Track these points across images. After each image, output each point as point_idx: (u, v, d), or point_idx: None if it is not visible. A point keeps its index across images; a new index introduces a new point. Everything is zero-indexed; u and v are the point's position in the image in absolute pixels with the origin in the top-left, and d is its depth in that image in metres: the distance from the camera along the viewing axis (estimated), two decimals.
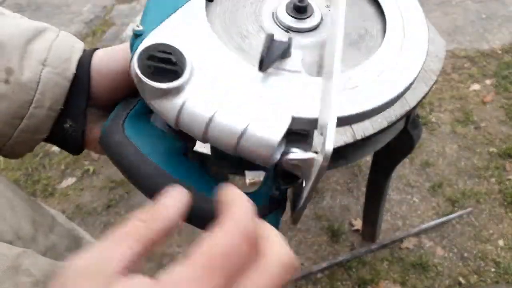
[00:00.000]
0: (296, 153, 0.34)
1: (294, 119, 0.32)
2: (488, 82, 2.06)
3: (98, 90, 0.40)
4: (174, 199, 0.26)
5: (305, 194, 0.35)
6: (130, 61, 0.32)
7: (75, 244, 0.44)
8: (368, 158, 1.59)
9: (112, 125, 0.37)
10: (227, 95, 0.32)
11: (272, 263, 0.25)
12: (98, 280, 0.21)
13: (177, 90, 0.31)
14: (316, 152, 0.32)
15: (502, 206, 1.62)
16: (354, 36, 0.39)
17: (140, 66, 0.31)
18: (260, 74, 0.33)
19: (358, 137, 0.88)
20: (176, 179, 0.36)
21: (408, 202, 1.67)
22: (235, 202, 0.26)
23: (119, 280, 0.21)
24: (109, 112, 0.38)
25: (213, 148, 0.39)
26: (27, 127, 0.38)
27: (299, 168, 0.34)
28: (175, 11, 0.35)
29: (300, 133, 0.34)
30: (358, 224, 1.60)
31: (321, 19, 0.39)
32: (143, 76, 0.30)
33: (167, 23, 0.35)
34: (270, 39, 0.33)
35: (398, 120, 0.93)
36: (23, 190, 0.42)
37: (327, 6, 0.40)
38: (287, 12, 0.38)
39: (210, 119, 0.31)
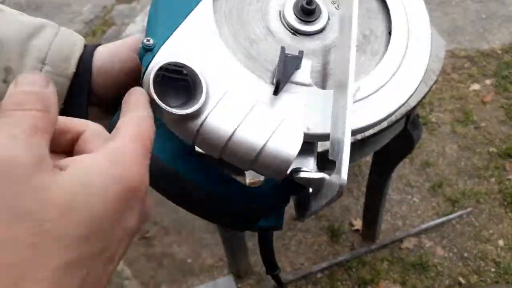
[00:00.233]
0: (308, 172, 0.34)
1: (305, 135, 0.33)
2: (488, 82, 2.06)
3: (99, 87, 0.40)
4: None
5: (313, 207, 0.35)
6: (142, 76, 0.32)
7: None
8: (368, 158, 1.59)
9: None
10: (242, 112, 0.32)
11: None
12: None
13: (195, 113, 0.31)
14: (329, 171, 0.32)
15: (502, 206, 1.62)
16: (359, 37, 0.38)
17: (156, 90, 0.31)
18: (272, 88, 0.33)
19: (358, 137, 0.88)
20: (184, 177, 0.37)
21: (408, 202, 1.67)
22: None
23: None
24: (111, 109, 0.38)
25: None
26: None
27: (309, 183, 0.35)
28: (183, 20, 0.34)
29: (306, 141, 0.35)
30: (358, 224, 1.60)
31: (328, 18, 0.38)
32: (161, 103, 0.30)
33: (176, 35, 0.34)
34: (283, 63, 0.33)
35: (398, 121, 0.93)
36: None
37: (334, 3, 0.39)
38: (294, 13, 0.37)
39: (230, 138, 0.32)
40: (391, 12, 0.39)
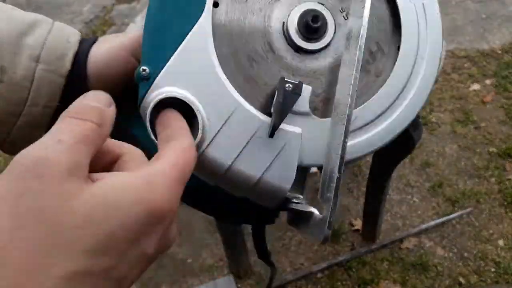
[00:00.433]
0: (299, 204, 0.35)
1: (299, 166, 0.33)
2: (488, 82, 2.06)
3: (96, 85, 0.39)
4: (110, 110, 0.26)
5: (301, 232, 0.36)
6: (139, 103, 0.32)
7: None
8: (368, 158, 1.59)
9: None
10: (239, 146, 0.32)
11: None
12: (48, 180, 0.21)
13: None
14: (319, 207, 0.33)
15: (502, 206, 1.62)
16: (366, 54, 0.36)
17: (152, 128, 0.31)
18: (269, 120, 0.33)
19: None
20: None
21: (408, 202, 1.67)
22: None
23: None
24: None
25: None
26: (24, 124, 0.37)
27: (298, 213, 0.35)
28: (179, 45, 0.33)
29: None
30: (358, 224, 1.60)
31: (334, 31, 0.36)
32: (156, 140, 0.30)
33: (173, 62, 0.32)
34: (282, 100, 0.32)
35: None
36: None
37: (342, 11, 0.36)
38: (298, 29, 0.35)
39: (226, 171, 0.32)
40: (402, 23, 0.36)
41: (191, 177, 0.32)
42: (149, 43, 0.33)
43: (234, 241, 1.35)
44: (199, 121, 0.31)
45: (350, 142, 0.33)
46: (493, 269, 1.47)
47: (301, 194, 0.36)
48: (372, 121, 0.35)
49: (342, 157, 0.31)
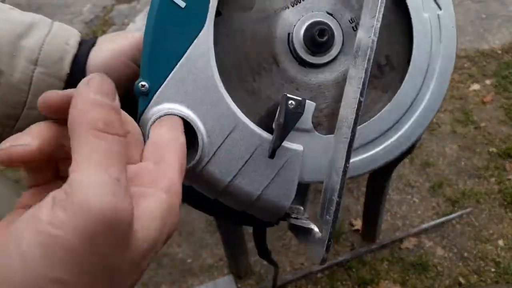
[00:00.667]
0: (298, 220, 0.35)
1: (299, 183, 0.33)
2: (488, 82, 2.06)
3: None
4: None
5: (299, 241, 0.36)
6: (138, 117, 0.32)
7: None
8: None
9: None
10: (239, 163, 0.32)
11: None
12: None
13: (194, 165, 0.31)
14: (319, 225, 0.33)
15: (502, 206, 1.62)
16: (373, 67, 0.34)
17: None
18: (270, 137, 0.32)
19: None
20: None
21: (408, 202, 1.67)
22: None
23: None
24: None
25: None
26: (23, 127, 0.36)
27: (298, 228, 0.35)
28: (179, 60, 0.31)
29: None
30: (358, 224, 1.60)
31: (342, 44, 0.34)
32: None
33: (172, 79, 0.31)
34: (284, 120, 0.31)
35: None
36: (24, 189, 0.42)
37: (352, 21, 0.34)
38: (304, 42, 0.33)
39: (226, 187, 0.32)
40: (414, 35, 0.34)
41: None
42: (148, 57, 0.32)
43: (234, 241, 1.35)
44: (199, 140, 0.31)
45: (352, 160, 0.32)
46: (493, 269, 1.47)
47: (302, 205, 0.36)
48: (376, 138, 0.34)
49: (342, 182, 0.30)
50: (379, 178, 1.35)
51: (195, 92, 0.31)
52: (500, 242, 1.53)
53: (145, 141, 0.28)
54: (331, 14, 0.34)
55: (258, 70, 0.33)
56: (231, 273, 1.51)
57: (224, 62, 0.33)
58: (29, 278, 0.18)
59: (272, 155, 0.31)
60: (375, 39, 0.30)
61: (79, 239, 0.18)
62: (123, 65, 0.38)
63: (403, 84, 0.34)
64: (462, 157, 1.79)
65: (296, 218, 0.34)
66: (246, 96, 0.33)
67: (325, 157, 0.33)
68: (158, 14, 0.31)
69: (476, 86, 2.05)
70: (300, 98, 0.31)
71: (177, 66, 0.31)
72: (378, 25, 0.30)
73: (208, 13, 0.31)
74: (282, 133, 0.31)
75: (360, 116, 0.30)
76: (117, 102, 0.23)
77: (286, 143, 0.32)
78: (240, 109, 0.32)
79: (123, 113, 0.25)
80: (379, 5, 0.30)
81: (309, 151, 0.33)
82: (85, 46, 0.39)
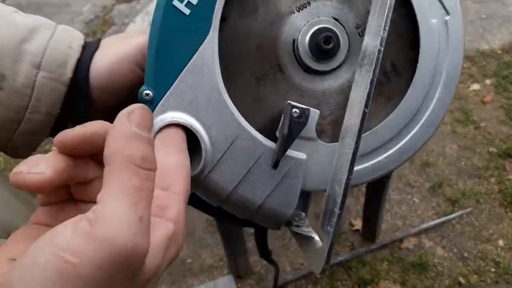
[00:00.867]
0: (300, 228, 0.35)
1: (302, 191, 0.33)
2: (488, 82, 2.06)
3: (99, 94, 0.38)
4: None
5: (299, 246, 0.36)
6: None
7: None
8: None
9: None
10: (242, 172, 0.32)
11: None
12: None
13: (197, 173, 0.31)
14: (320, 234, 0.33)
15: (502, 206, 1.62)
16: (379, 74, 0.32)
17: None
18: (274, 145, 0.32)
19: None
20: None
21: (408, 202, 1.67)
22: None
23: None
24: (114, 113, 0.38)
25: None
26: (25, 130, 0.37)
27: (299, 236, 0.35)
28: (184, 68, 0.31)
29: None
30: (358, 224, 1.60)
31: (348, 50, 0.33)
32: None
33: (176, 87, 0.31)
34: (288, 131, 0.31)
35: None
36: (23, 192, 0.41)
37: (358, 27, 0.34)
38: (309, 49, 0.33)
39: (229, 195, 0.32)
40: (421, 41, 0.33)
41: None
42: (152, 65, 0.31)
43: (234, 241, 1.35)
44: (202, 149, 0.31)
45: (355, 168, 0.31)
46: (493, 269, 1.47)
47: (304, 211, 0.36)
48: (380, 146, 0.34)
49: (344, 195, 0.30)
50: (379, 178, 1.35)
51: (199, 100, 0.31)
52: (500, 242, 1.53)
53: None
54: (337, 20, 0.33)
55: (262, 77, 0.33)
56: (231, 273, 1.51)
57: (228, 68, 0.32)
58: None
59: (275, 165, 0.32)
60: (382, 49, 0.29)
61: (96, 270, 0.19)
62: (128, 70, 0.37)
63: (408, 91, 0.33)
64: (462, 157, 1.79)
65: (298, 226, 0.35)
66: (251, 103, 0.33)
67: (328, 165, 0.33)
68: (163, 22, 0.31)
69: (476, 86, 2.05)
70: (304, 107, 0.31)
71: (181, 74, 0.31)
72: (385, 35, 0.29)
73: (213, 21, 0.31)
74: (286, 144, 0.31)
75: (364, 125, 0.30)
76: (153, 134, 0.24)
77: (289, 152, 0.32)
78: (244, 116, 0.32)
79: None
80: (386, 13, 0.29)
81: (312, 160, 0.33)
82: (88, 50, 0.38)
